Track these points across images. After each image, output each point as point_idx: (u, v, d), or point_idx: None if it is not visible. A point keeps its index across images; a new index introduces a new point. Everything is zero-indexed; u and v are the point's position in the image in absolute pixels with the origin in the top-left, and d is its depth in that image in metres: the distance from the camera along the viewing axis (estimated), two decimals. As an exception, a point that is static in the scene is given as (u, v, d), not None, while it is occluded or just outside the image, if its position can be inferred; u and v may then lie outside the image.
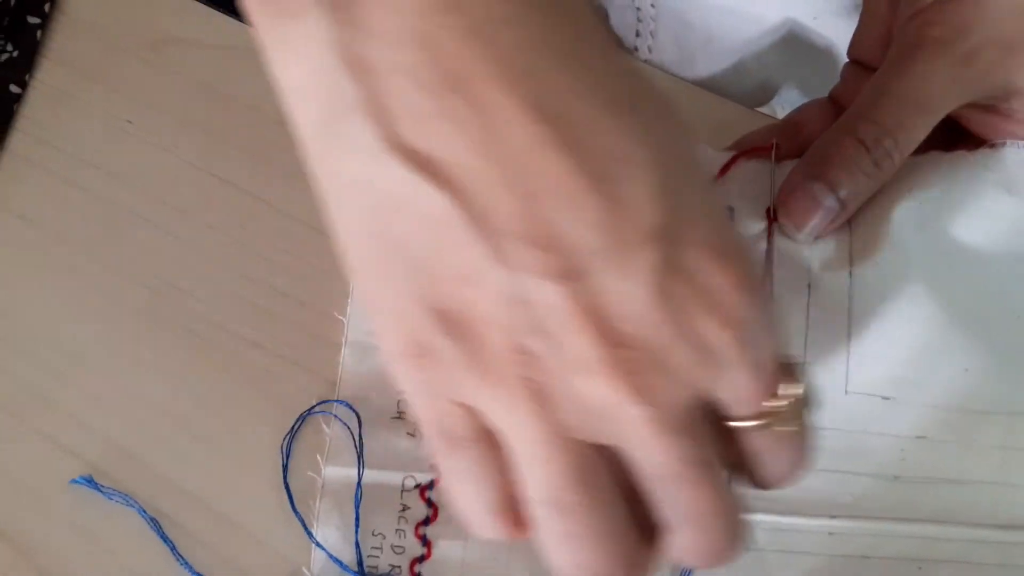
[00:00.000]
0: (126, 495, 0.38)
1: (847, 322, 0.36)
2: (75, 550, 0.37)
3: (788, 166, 0.39)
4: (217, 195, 0.43)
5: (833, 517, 0.36)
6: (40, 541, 0.37)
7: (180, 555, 0.37)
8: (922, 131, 0.36)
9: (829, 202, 0.36)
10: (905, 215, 0.37)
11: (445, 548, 0.36)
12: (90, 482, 0.38)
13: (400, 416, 0.39)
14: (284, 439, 0.38)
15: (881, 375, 0.36)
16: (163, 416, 0.39)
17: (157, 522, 0.37)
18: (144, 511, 0.37)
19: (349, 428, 0.38)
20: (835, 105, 0.41)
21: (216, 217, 0.43)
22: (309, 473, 0.38)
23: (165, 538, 0.37)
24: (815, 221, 0.36)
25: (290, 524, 0.37)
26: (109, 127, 0.45)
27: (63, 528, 0.38)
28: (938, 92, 0.36)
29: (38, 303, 0.42)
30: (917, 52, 0.36)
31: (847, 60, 0.42)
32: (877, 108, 0.36)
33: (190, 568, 0.36)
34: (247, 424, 0.39)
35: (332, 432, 0.38)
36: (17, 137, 0.45)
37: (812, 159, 0.37)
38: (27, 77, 0.46)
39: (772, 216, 0.38)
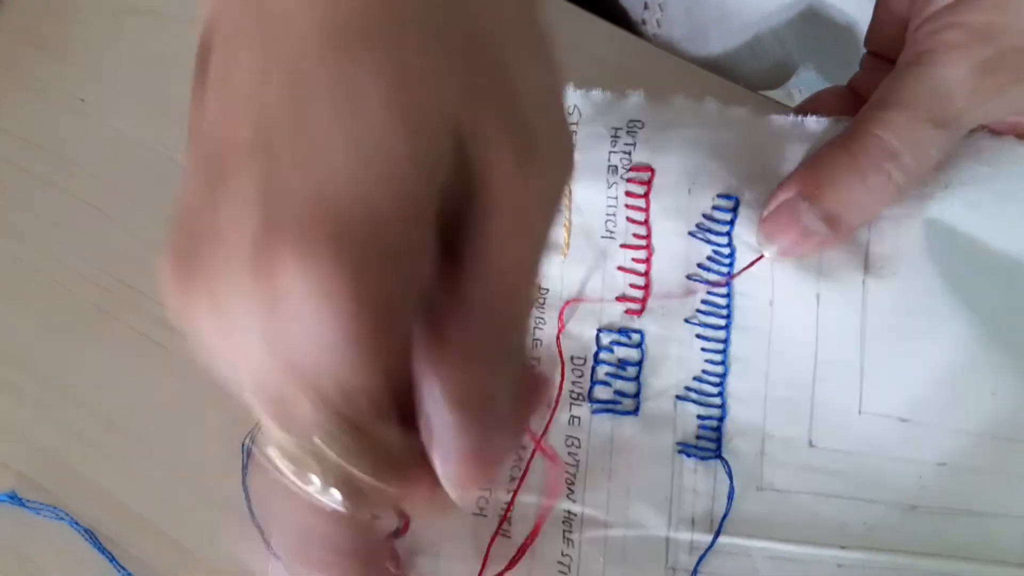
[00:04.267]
0: (55, 508, 0.35)
1: (860, 337, 0.34)
2: (7, 568, 0.35)
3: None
4: (177, 184, 0.40)
5: (843, 548, 0.33)
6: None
7: (121, 565, 0.34)
8: (938, 150, 0.33)
9: (814, 225, 0.33)
10: (934, 217, 0.33)
11: (418, 564, 0.34)
12: (13, 498, 0.35)
13: None
14: (245, 438, 0.35)
15: (898, 395, 0.34)
16: (107, 427, 0.37)
17: (92, 532, 0.35)
18: (76, 523, 0.35)
19: None
20: (854, 95, 0.38)
21: (173, 207, 0.40)
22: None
23: (101, 549, 0.35)
24: (788, 241, 0.33)
25: (246, 540, 0.34)
26: (60, 105, 0.42)
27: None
28: (956, 105, 0.32)
29: (-26, 297, 0.39)
30: (932, 58, 0.32)
31: (865, 51, 0.39)
32: (884, 123, 0.32)
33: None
34: (199, 436, 0.36)
35: None
36: (-45, 113, 0.42)
37: (806, 173, 0.33)
38: (-29, 49, 0.43)
39: None
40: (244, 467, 0.35)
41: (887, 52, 0.36)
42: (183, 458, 0.36)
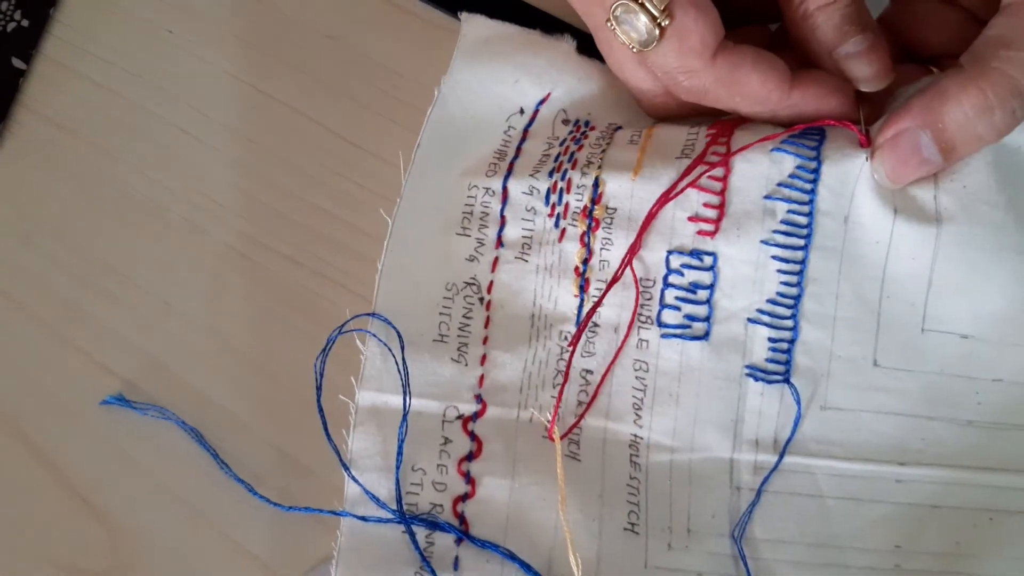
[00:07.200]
0: (161, 408, 0.36)
1: (933, 249, 0.33)
2: (109, 469, 0.36)
3: None
4: (258, 109, 0.42)
5: (901, 464, 0.34)
6: (73, 459, 0.36)
7: (223, 462, 0.35)
8: None
9: (931, 154, 0.33)
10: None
11: (491, 486, 0.33)
12: (121, 400, 0.36)
13: (442, 339, 0.36)
14: (317, 358, 0.35)
15: (962, 310, 0.33)
16: (201, 332, 0.38)
17: (198, 431, 0.36)
18: (183, 422, 0.36)
19: (389, 348, 0.35)
20: (887, 30, 0.36)
21: (257, 132, 0.41)
22: (341, 397, 0.35)
23: (207, 447, 0.35)
24: (907, 170, 0.33)
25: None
26: (149, 35, 0.43)
27: (96, 446, 0.36)
28: None
29: (75, 214, 0.40)
30: None
31: None
32: (1011, 61, 0.31)
33: (234, 475, 0.35)
34: (287, 342, 0.37)
35: (368, 351, 0.34)
36: (51, 42, 0.43)
37: (927, 104, 0.33)
38: (64, -21, 0.44)
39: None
40: (318, 388, 0.35)
41: None
42: (278, 366, 0.37)
